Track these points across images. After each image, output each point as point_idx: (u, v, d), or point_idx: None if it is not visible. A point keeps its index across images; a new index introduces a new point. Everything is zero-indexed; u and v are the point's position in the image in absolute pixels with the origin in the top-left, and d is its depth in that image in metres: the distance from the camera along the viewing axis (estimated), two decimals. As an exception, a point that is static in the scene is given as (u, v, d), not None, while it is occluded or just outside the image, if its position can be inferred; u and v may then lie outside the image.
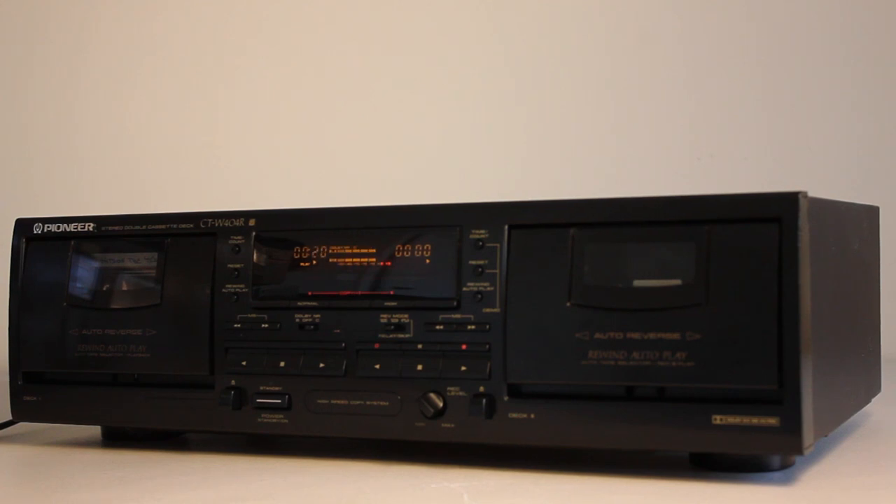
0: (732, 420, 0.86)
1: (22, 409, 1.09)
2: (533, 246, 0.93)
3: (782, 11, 1.64)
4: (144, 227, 1.07)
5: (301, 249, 1.01)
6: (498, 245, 0.94)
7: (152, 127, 1.76)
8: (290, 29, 1.74)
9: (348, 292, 0.99)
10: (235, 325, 1.02)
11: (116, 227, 1.08)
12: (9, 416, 1.11)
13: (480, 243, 0.95)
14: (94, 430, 1.15)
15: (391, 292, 0.97)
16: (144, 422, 1.06)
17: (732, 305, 0.86)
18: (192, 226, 1.05)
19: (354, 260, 0.99)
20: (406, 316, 0.97)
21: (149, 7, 1.78)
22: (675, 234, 0.89)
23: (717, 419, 0.86)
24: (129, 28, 1.78)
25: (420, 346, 0.96)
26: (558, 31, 1.68)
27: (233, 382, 1.02)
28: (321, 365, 0.99)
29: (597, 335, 0.90)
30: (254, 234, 1.02)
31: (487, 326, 0.94)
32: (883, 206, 1.21)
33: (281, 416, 1.00)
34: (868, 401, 1.11)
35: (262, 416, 1.01)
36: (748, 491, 0.86)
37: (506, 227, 0.94)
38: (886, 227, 1.24)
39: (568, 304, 0.91)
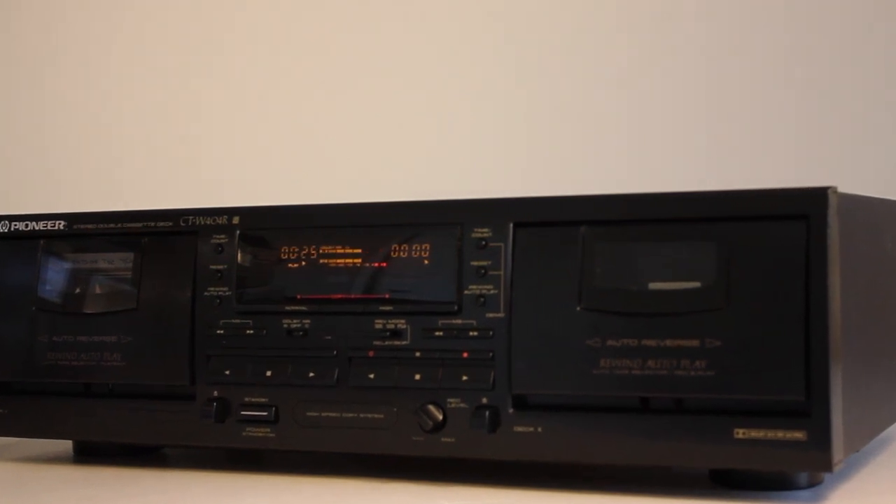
0: (756, 434, 0.86)
1: (-13, 423, 1.10)
2: (540, 245, 0.93)
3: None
4: (119, 225, 1.07)
5: (289, 249, 1.01)
6: (502, 244, 0.94)
7: (128, 117, 1.75)
8: (277, 13, 1.74)
9: (340, 296, 0.99)
10: (218, 332, 1.02)
11: (89, 226, 1.08)
12: (-27, 430, 1.11)
13: (483, 243, 0.95)
14: (66, 445, 1.15)
15: (387, 296, 0.97)
16: (119, 436, 1.06)
17: (756, 310, 0.86)
18: (170, 224, 1.05)
19: (347, 261, 0.99)
20: (403, 321, 0.97)
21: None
22: (693, 233, 0.89)
23: (740, 433, 0.86)
24: (103, 13, 1.78)
25: (418, 354, 0.96)
26: (566, 10, 1.67)
27: (215, 393, 1.02)
28: (311, 374, 0.99)
29: (609, 342, 0.90)
30: (238, 232, 1.03)
31: (491, 333, 0.94)
32: (919, 202, 1.20)
33: (267, 429, 1.00)
34: (903, 413, 1.11)
35: (247, 429, 1.01)
36: (773, 510, 0.86)
37: (510, 225, 0.94)
38: (922, 224, 1.23)
39: (578, 308, 0.91)
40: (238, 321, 1.02)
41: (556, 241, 0.93)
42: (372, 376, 0.97)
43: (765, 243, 0.87)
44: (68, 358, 1.06)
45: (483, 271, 0.94)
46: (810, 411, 0.85)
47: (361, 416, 0.97)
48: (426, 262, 0.96)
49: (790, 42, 1.60)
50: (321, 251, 1.00)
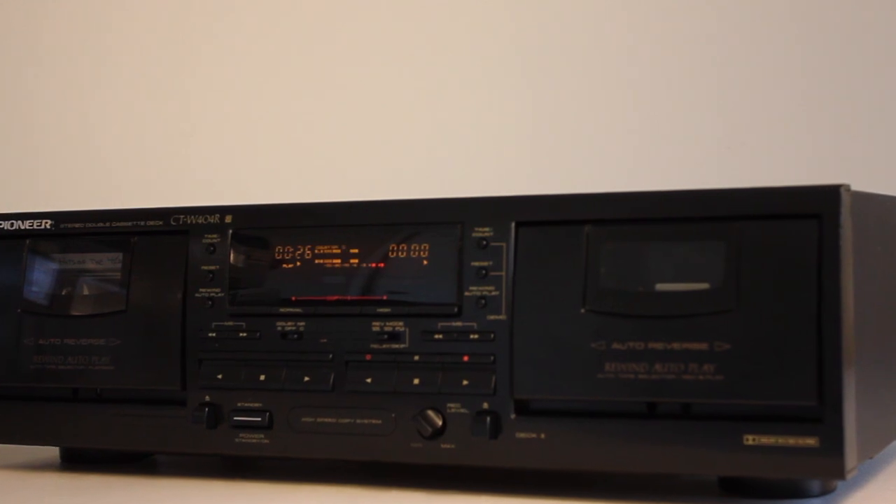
0: (766, 440, 0.86)
1: (-29, 428, 1.09)
2: (543, 245, 0.93)
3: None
4: (108, 224, 1.07)
5: (283, 249, 1.01)
6: (504, 244, 0.94)
7: (117, 112, 1.75)
8: (272, 4, 1.74)
9: (336, 297, 0.99)
10: (210, 334, 1.02)
11: (77, 225, 1.08)
12: (-44, 436, 1.11)
13: (484, 242, 0.95)
14: (52, 452, 1.15)
15: (384, 297, 0.97)
16: (108, 442, 1.06)
17: (766, 312, 0.86)
18: (161, 223, 1.05)
19: (343, 261, 0.99)
20: (401, 324, 0.97)
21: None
22: (702, 233, 0.89)
23: (750, 439, 0.86)
24: (91, 7, 1.77)
25: (417, 358, 0.96)
26: (572, 4, 1.67)
27: (207, 398, 1.02)
28: (306, 378, 0.99)
29: (615, 345, 0.90)
30: (230, 231, 1.02)
31: (492, 335, 0.94)
32: (935, 200, 1.20)
33: (261, 435, 1.00)
34: (918, 418, 1.11)
35: (240, 435, 1.01)
36: (784, 519, 0.86)
37: (512, 224, 0.94)
38: (939, 223, 1.23)
39: (582, 310, 0.91)
40: (231, 324, 1.02)
41: (559, 241, 0.92)
42: (369, 381, 0.97)
43: (775, 243, 0.87)
44: (55, 362, 1.06)
45: (484, 272, 0.94)
46: (822, 417, 0.85)
47: (358, 421, 0.97)
48: (425, 262, 0.96)
49: (801, 36, 1.60)
50: (317, 251, 1.00)
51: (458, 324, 0.95)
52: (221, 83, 1.73)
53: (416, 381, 0.96)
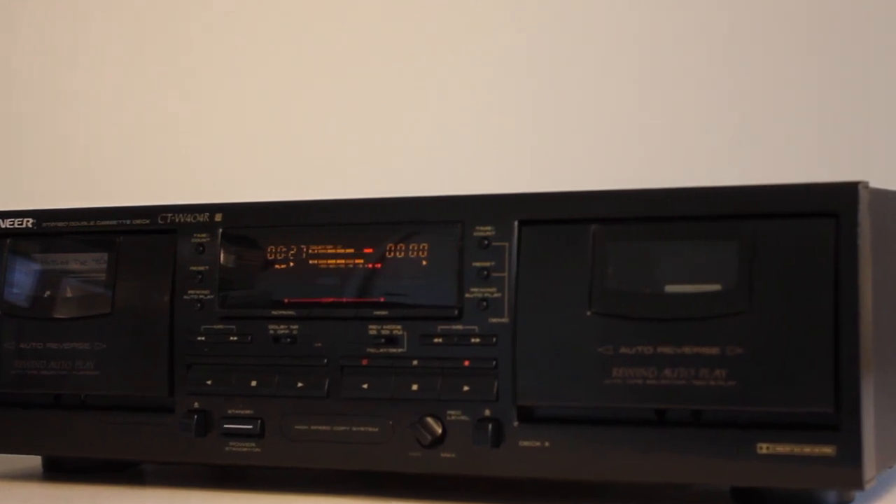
0: (781, 449, 0.86)
1: (-51, 436, 1.09)
2: (547, 245, 0.93)
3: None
4: (92, 223, 1.07)
5: (276, 249, 1.01)
6: (506, 244, 0.94)
7: (101, 106, 1.75)
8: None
9: (331, 299, 0.99)
10: (199, 338, 1.02)
11: (60, 224, 1.08)
12: (-66, 445, 1.11)
13: (486, 242, 0.94)
14: (35, 461, 1.15)
15: (381, 299, 0.97)
16: (93, 451, 1.06)
17: (781, 314, 0.86)
18: (148, 221, 1.05)
19: (338, 262, 0.99)
20: (399, 327, 0.96)
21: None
22: (713, 232, 0.89)
23: (763, 448, 0.86)
24: (77, 1, 1.78)
25: (415, 363, 0.96)
26: (577, -4, 1.67)
27: (196, 405, 1.02)
28: (299, 384, 0.99)
29: (622, 349, 0.89)
30: (220, 231, 1.02)
31: (494, 339, 0.93)
32: (956, 198, 1.20)
33: (252, 444, 1.00)
34: (939, 426, 1.11)
35: (231, 444, 1.01)
36: (799, 532, 0.86)
37: (515, 222, 0.94)
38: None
39: (588, 312, 0.91)
40: (221, 327, 1.01)
41: (564, 241, 0.92)
42: (366, 386, 0.97)
43: (791, 243, 0.87)
44: (37, 367, 1.06)
45: (486, 273, 0.94)
46: (840, 425, 0.85)
47: (354, 429, 0.97)
48: (424, 262, 0.96)
49: (817, 29, 1.60)
50: (311, 251, 1.00)
51: (459, 327, 0.95)
52: (217, 79, 1.73)
53: (414, 387, 0.95)
